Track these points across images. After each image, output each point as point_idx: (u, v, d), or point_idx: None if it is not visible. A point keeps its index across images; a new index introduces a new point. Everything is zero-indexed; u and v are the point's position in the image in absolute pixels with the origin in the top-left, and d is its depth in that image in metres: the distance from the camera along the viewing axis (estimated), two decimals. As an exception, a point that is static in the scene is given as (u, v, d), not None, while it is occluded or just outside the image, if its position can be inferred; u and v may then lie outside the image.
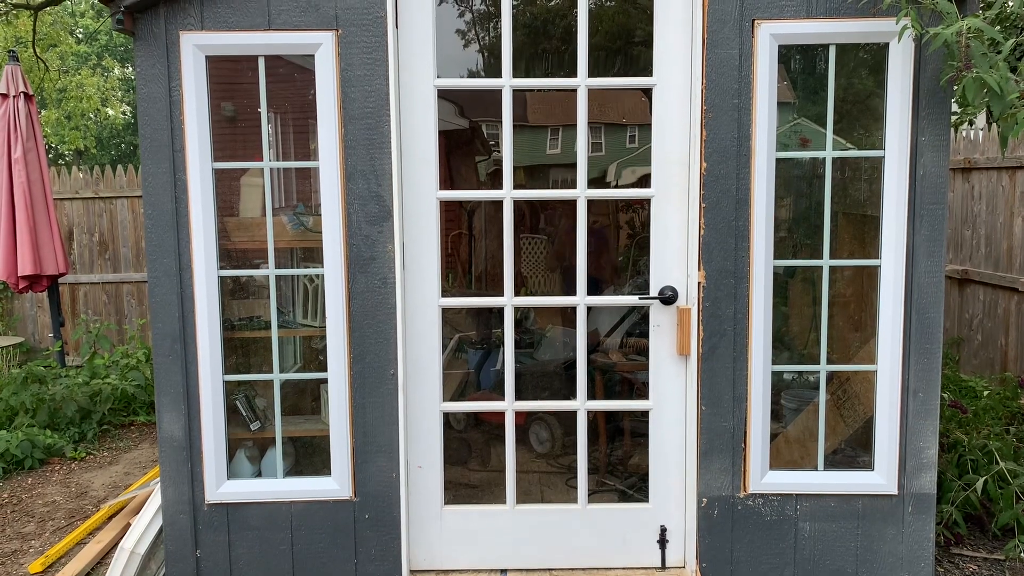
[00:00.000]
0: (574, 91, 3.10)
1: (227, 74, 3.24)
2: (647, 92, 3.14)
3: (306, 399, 3.67)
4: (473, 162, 6.91)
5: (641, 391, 4.01)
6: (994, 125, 6.16)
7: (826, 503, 3.15)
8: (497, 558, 3.31)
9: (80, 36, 20.18)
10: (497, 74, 3.09)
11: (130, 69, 22.12)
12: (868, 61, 3.18)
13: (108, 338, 6.69)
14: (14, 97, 5.38)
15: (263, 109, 3.09)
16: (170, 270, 3.07)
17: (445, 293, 3.23)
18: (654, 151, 3.13)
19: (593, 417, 4.24)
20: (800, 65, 3.39)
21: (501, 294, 3.23)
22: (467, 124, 6.49)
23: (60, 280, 6.18)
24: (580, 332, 3.24)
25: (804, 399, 3.54)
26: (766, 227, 3.03)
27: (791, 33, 2.96)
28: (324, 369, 3.15)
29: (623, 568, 3.31)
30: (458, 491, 4.09)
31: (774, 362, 3.14)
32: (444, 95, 3.34)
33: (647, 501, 3.30)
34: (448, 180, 6.08)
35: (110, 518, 4.15)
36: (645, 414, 3.27)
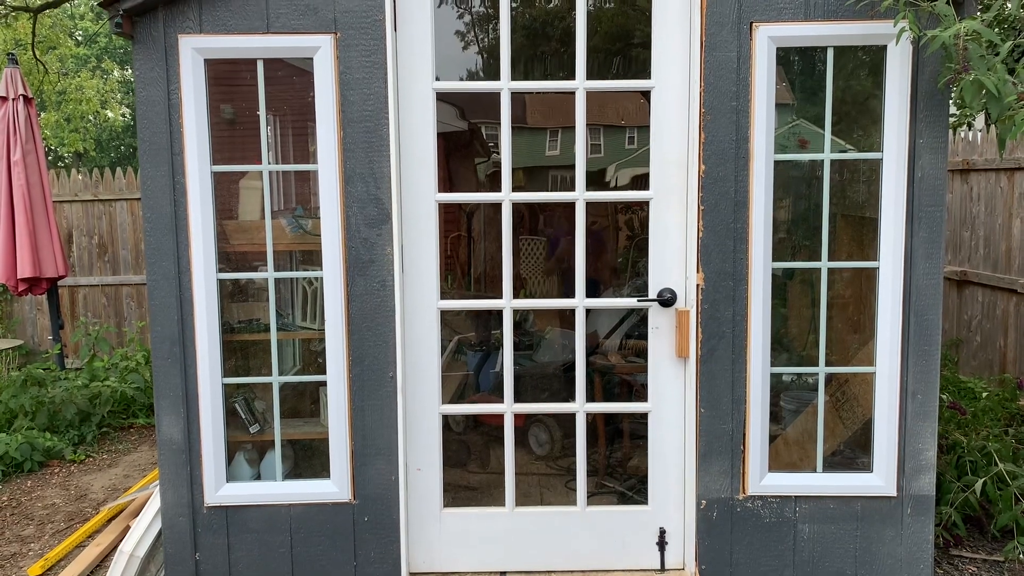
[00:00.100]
0: (573, 93, 3.11)
1: (226, 77, 3.25)
2: (646, 94, 3.14)
3: (305, 402, 3.67)
4: (472, 164, 6.91)
5: (640, 393, 4.02)
6: (992, 126, 6.17)
7: (825, 505, 3.15)
8: (496, 560, 3.31)
9: (79, 38, 20.19)
10: (496, 75, 3.09)
11: (129, 71, 22.13)
12: (866, 63, 3.18)
13: (107, 341, 6.69)
14: (13, 100, 5.38)
15: (262, 112, 3.09)
16: (169, 273, 3.08)
17: (444, 295, 3.23)
18: (652, 153, 3.13)
19: (592, 419, 4.24)
20: (799, 66, 3.39)
21: (500, 296, 3.24)
22: (466, 126, 6.50)
23: (59, 283, 6.17)
24: (579, 334, 3.24)
25: (803, 401, 3.54)
26: (764, 229, 3.03)
27: (789, 36, 2.97)
28: (323, 372, 3.15)
29: (622, 570, 3.31)
30: (457, 493, 4.09)
31: (773, 364, 3.14)
32: (443, 97, 3.35)
33: (646, 503, 3.30)
34: (448, 182, 6.10)
35: (109, 521, 4.15)
36: (644, 416, 3.27)
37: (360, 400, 3.14)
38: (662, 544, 3.28)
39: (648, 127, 3.14)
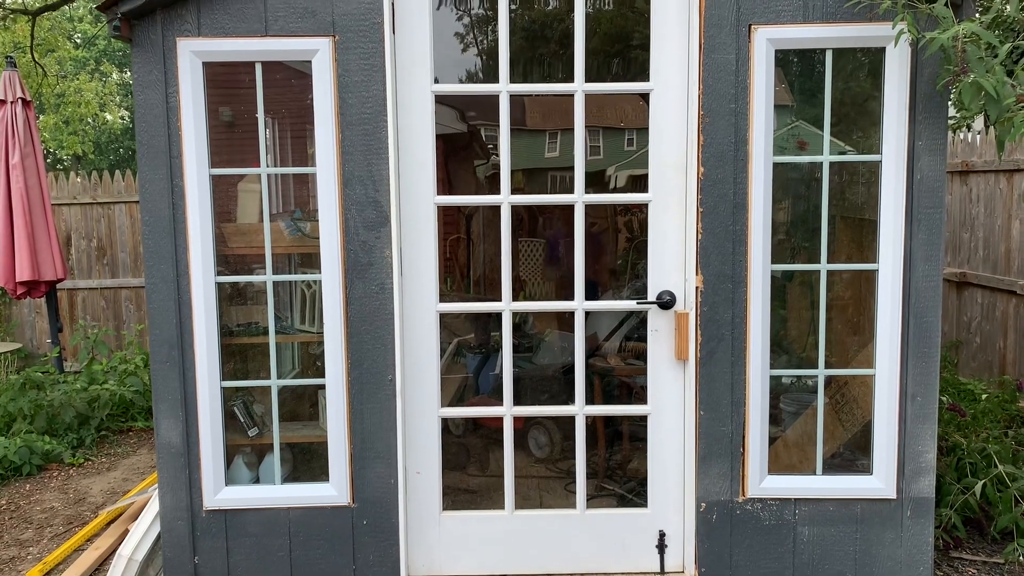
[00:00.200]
0: (571, 96, 3.11)
1: (224, 80, 3.25)
2: (644, 96, 3.14)
3: (304, 405, 3.67)
4: (472, 166, 6.91)
5: (640, 395, 4.01)
6: (991, 128, 6.17)
7: (825, 507, 3.15)
8: (496, 563, 3.31)
9: (78, 41, 20.19)
10: (495, 77, 3.09)
11: (128, 74, 22.13)
12: (865, 65, 3.18)
13: (106, 344, 6.69)
14: (12, 103, 5.38)
15: (260, 115, 3.09)
16: (167, 276, 3.07)
17: (443, 297, 3.23)
18: (651, 156, 3.13)
19: (592, 422, 4.24)
20: (798, 68, 3.39)
21: (499, 298, 3.23)
22: (466, 128, 6.50)
23: (58, 286, 6.17)
24: (578, 337, 3.23)
25: (803, 403, 3.54)
26: (763, 231, 3.03)
27: (788, 38, 2.97)
28: (322, 375, 3.15)
29: (622, 573, 3.30)
30: (457, 496, 4.08)
31: (772, 366, 3.14)
32: (442, 99, 3.35)
33: (646, 506, 3.29)
34: (447, 184, 6.10)
35: (108, 524, 4.14)
36: (644, 418, 3.26)
37: (359, 403, 3.13)
38: (662, 547, 3.28)
39: (647, 129, 3.14)
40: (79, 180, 7.75)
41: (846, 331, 3.52)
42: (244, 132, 3.25)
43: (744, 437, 3.11)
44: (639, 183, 3.23)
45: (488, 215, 6.43)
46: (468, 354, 5.14)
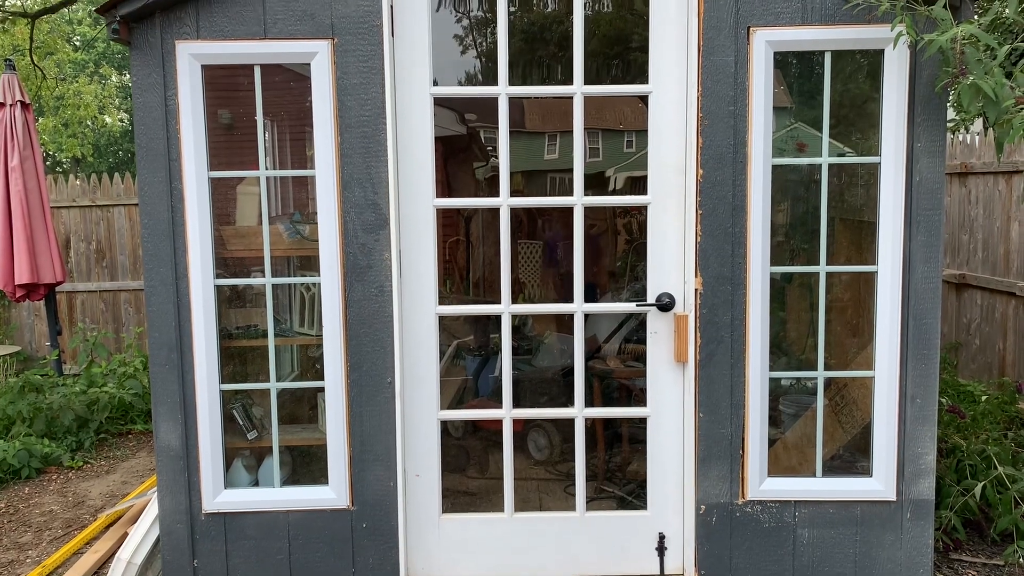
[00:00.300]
0: (571, 98, 3.11)
1: (223, 83, 3.25)
2: (644, 98, 3.14)
3: (303, 408, 3.67)
4: (471, 168, 6.91)
5: (639, 398, 4.01)
6: (990, 130, 6.18)
7: (824, 509, 3.14)
8: (495, 566, 3.30)
9: (77, 44, 20.20)
10: (494, 79, 3.09)
11: (127, 76, 22.14)
12: (864, 67, 3.18)
13: (105, 346, 6.68)
14: (11, 106, 5.38)
15: (259, 117, 3.09)
16: (166, 279, 3.07)
17: (443, 299, 3.23)
18: (651, 158, 3.13)
19: (591, 424, 4.24)
20: (796, 70, 3.39)
21: (499, 300, 3.23)
22: (465, 130, 6.50)
23: (57, 288, 6.17)
24: (577, 339, 3.23)
25: (802, 405, 3.53)
26: (763, 233, 3.03)
27: (786, 40, 2.97)
28: (321, 378, 3.15)
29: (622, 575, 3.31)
30: (456, 499, 4.08)
31: (772, 368, 3.13)
32: (441, 102, 3.35)
33: (645, 508, 3.29)
34: (446, 186, 6.10)
35: (107, 528, 4.13)
36: (643, 421, 3.26)
37: (358, 406, 3.13)
38: (661, 549, 3.27)
39: (646, 131, 3.14)
40: (78, 183, 7.75)
41: (845, 333, 3.52)
42: (243, 135, 3.26)
43: (744, 439, 3.11)
44: (638, 185, 3.24)
45: (487, 217, 6.43)
46: (467, 356, 5.14)
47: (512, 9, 4.01)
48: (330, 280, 3.09)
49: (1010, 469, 3.57)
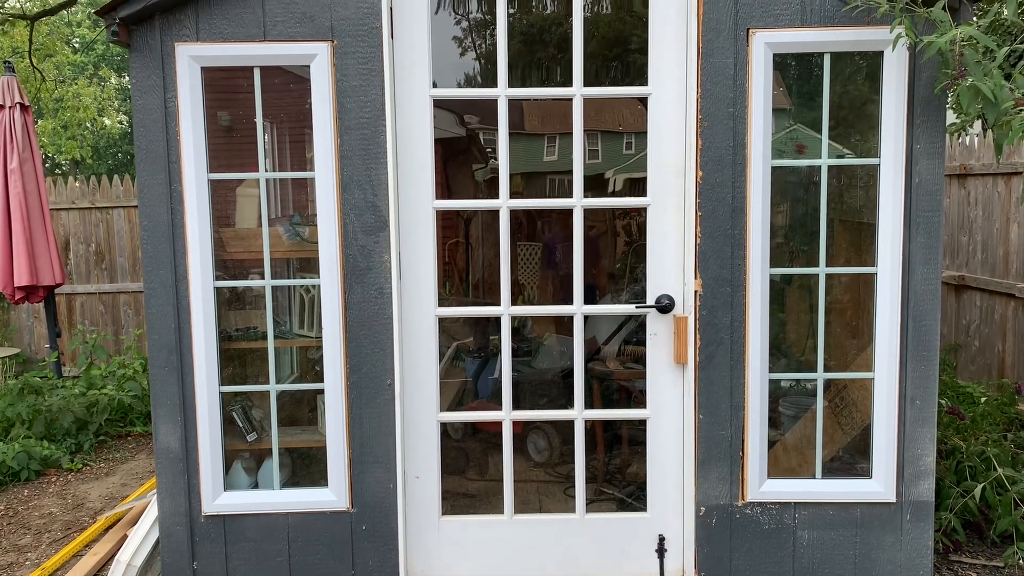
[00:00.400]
0: (570, 100, 3.11)
1: (223, 85, 3.25)
2: (643, 100, 3.14)
3: (303, 410, 3.66)
4: (470, 169, 6.92)
5: (639, 399, 4.01)
6: (990, 132, 6.18)
7: (824, 511, 3.14)
8: (495, 568, 3.30)
9: (77, 46, 20.21)
10: (494, 81, 3.09)
11: (127, 78, 22.14)
12: (863, 68, 3.19)
13: (105, 348, 6.67)
14: (10, 108, 5.37)
15: (259, 119, 3.09)
16: (166, 281, 3.07)
17: (442, 301, 3.22)
18: (650, 159, 3.13)
19: (591, 426, 4.23)
20: (796, 72, 3.40)
21: (498, 302, 3.23)
22: (464, 132, 6.50)
23: (56, 291, 6.16)
24: (577, 341, 3.23)
25: (802, 407, 3.53)
26: (762, 235, 3.03)
27: (786, 42, 2.97)
28: (321, 379, 3.15)
29: (622, 577, 3.30)
30: (456, 501, 4.07)
31: (771, 370, 3.13)
32: (441, 103, 3.35)
33: (645, 510, 3.29)
34: (446, 187, 6.10)
35: (106, 530, 4.13)
36: (643, 422, 3.26)
37: (358, 408, 3.13)
38: (661, 551, 3.27)
39: (646, 133, 3.14)
40: (77, 185, 7.75)
41: (845, 334, 3.52)
42: (243, 137, 3.26)
43: (743, 441, 3.11)
44: (638, 187, 3.24)
45: (487, 219, 6.43)
46: (467, 358, 5.14)
47: (511, 11, 4.02)
48: (330, 282, 3.09)
49: (1010, 471, 3.57)
